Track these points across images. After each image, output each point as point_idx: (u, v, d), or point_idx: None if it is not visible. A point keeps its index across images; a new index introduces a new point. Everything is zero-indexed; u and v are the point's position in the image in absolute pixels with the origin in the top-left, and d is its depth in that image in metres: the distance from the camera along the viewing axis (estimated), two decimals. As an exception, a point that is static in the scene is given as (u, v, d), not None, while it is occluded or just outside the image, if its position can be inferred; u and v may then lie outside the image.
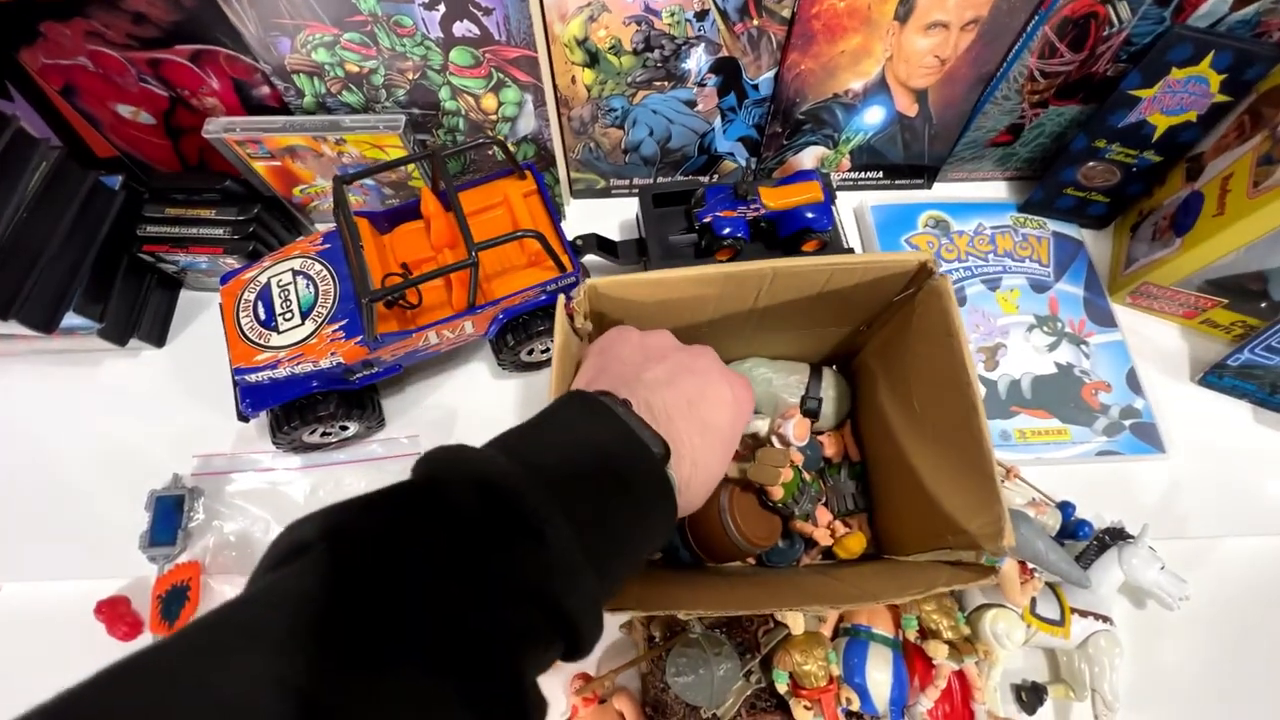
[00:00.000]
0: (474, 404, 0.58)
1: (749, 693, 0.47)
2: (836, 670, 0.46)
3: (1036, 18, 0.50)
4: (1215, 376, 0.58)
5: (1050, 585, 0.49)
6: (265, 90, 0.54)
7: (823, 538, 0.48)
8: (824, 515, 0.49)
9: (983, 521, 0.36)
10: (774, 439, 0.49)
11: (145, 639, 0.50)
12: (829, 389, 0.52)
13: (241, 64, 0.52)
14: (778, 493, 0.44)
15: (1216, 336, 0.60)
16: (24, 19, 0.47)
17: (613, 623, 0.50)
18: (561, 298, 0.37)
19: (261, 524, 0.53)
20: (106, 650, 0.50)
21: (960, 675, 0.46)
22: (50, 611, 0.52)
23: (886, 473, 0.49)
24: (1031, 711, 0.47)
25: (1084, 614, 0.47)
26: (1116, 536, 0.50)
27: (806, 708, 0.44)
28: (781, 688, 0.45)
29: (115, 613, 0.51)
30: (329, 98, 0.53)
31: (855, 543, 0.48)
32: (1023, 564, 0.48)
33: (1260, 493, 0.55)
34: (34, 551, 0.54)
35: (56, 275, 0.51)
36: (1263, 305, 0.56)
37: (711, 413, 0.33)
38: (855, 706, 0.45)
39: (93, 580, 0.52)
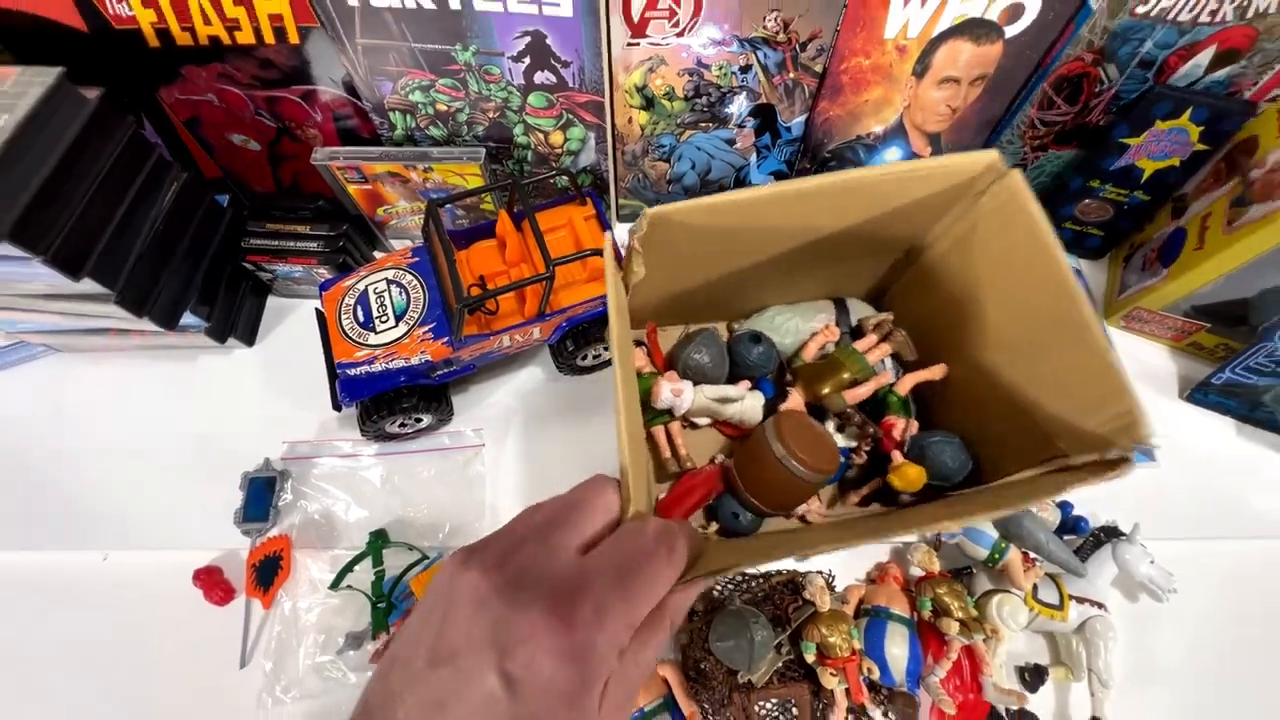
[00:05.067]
0: (531, 403, 0.65)
1: (779, 664, 0.52)
2: (858, 645, 0.52)
3: (1036, 76, 0.58)
4: (1201, 394, 0.64)
5: (1050, 575, 0.54)
6: (357, 123, 0.62)
7: (890, 447, 0.46)
8: (897, 424, 0.46)
9: (1110, 415, 0.33)
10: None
11: (238, 604, 0.57)
12: (862, 317, 0.51)
13: (344, 101, 0.60)
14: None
15: (1202, 358, 0.66)
16: (169, 62, 0.55)
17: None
18: (607, 235, 0.37)
19: (342, 504, 0.60)
20: (204, 612, 0.56)
21: (969, 651, 0.52)
22: (150, 578, 0.58)
23: (964, 395, 0.45)
24: (1034, 690, 0.52)
25: (1080, 600, 0.53)
26: (1111, 534, 0.56)
27: (832, 674, 0.50)
28: (810, 657, 0.51)
29: (211, 580, 0.57)
30: (417, 131, 0.61)
31: (915, 473, 0.46)
32: (1025, 554, 0.54)
33: (1240, 500, 0.61)
34: (136, 524, 0.60)
35: (179, 280, 0.58)
36: (1243, 330, 0.62)
37: None
38: (875, 676, 0.51)
39: (188, 551, 0.58)
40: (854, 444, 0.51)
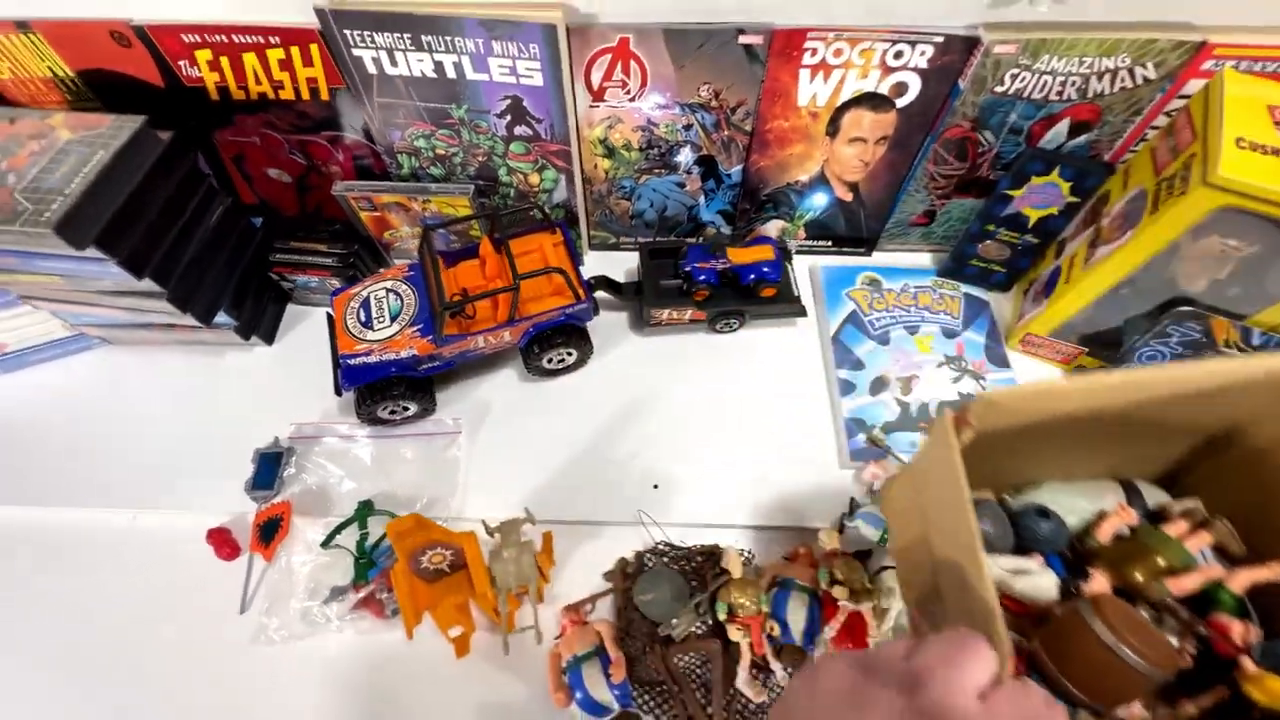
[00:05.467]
0: (501, 399, 0.76)
1: (697, 622, 0.61)
2: (766, 609, 0.60)
3: (928, 138, 0.70)
4: (1085, 409, 0.73)
5: None
6: (371, 162, 0.75)
7: (1230, 652, 0.39)
8: (1234, 626, 0.40)
9: None
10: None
11: (243, 559, 0.66)
12: (1160, 502, 0.47)
13: (361, 145, 0.73)
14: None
15: (1088, 379, 0.76)
16: (225, 112, 0.69)
17: (598, 572, 0.65)
18: (949, 411, 0.36)
19: (337, 478, 0.70)
20: (214, 566, 0.66)
21: (858, 616, 0.60)
22: (170, 536, 0.68)
23: None
24: None
25: None
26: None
27: (738, 630, 0.58)
28: (721, 615, 0.59)
29: (221, 539, 0.67)
30: (420, 170, 0.74)
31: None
32: None
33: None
34: (163, 490, 0.70)
35: (217, 285, 0.71)
36: (1119, 354, 0.72)
37: None
38: (776, 634, 0.59)
39: (204, 514, 0.69)
40: (1174, 642, 0.42)
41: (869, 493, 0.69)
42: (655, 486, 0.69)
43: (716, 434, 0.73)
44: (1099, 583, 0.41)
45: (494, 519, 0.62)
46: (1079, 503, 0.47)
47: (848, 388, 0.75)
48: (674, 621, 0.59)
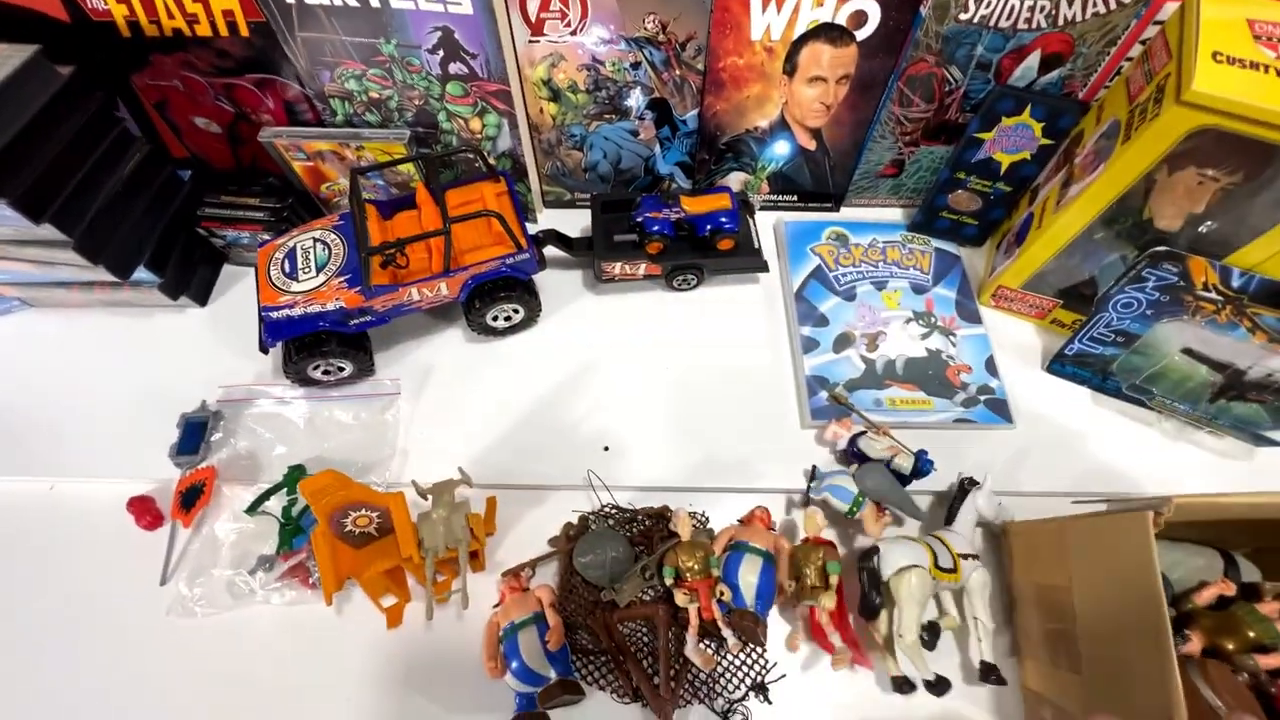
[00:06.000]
0: (445, 360, 0.71)
1: (644, 588, 0.57)
2: (717, 573, 0.56)
3: (892, 75, 0.66)
4: (1059, 365, 0.70)
5: (940, 538, 0.57)
6: (306, 110, 0.71)
7: None
8: None
9: None
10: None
11: (165, 530, 0.62)
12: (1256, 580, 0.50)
13: (292, 90, 0.68)
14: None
15: (1062, 334, 0.72)
16: (140, 51, 0.64)
17: (544, 539, 0.61)
18: (1150, 513, 0.41)
19: (268, 442, 0.66)
20: (134, 537, 0.62)
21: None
22: (90, 505, 0.64)
23: None
24: (932, 646, 0.54)
25: (965, 556, 0.56)
26: (971, 485, 0.61)
27: (684, 594, 0.55)
28: (668, 580, 0.56)
29: (143, 507, 0.63)
30: (355, 117, 0.70)
31: None
32: (878, 505, 0.59)
33: (1088, 461, 0.66)
34: (83, 458, 0.66)
35: (135, 237, 0.66)
36: (1093, 304, 0.68)
37: None
38: (728, 598, 0.55)
39: (126, 482, 0.64)
40: None
41: (832, 452, 0.65)
42: (606, 449, 0.65)
43: (672, 394, 0.69)
44: (1193, 645, 0.46)
45: (430, 481, 0.58)
46: (1193, 560, 0.52)
47: (810, 345, 0.71)
48: (617, 586, 0.56)
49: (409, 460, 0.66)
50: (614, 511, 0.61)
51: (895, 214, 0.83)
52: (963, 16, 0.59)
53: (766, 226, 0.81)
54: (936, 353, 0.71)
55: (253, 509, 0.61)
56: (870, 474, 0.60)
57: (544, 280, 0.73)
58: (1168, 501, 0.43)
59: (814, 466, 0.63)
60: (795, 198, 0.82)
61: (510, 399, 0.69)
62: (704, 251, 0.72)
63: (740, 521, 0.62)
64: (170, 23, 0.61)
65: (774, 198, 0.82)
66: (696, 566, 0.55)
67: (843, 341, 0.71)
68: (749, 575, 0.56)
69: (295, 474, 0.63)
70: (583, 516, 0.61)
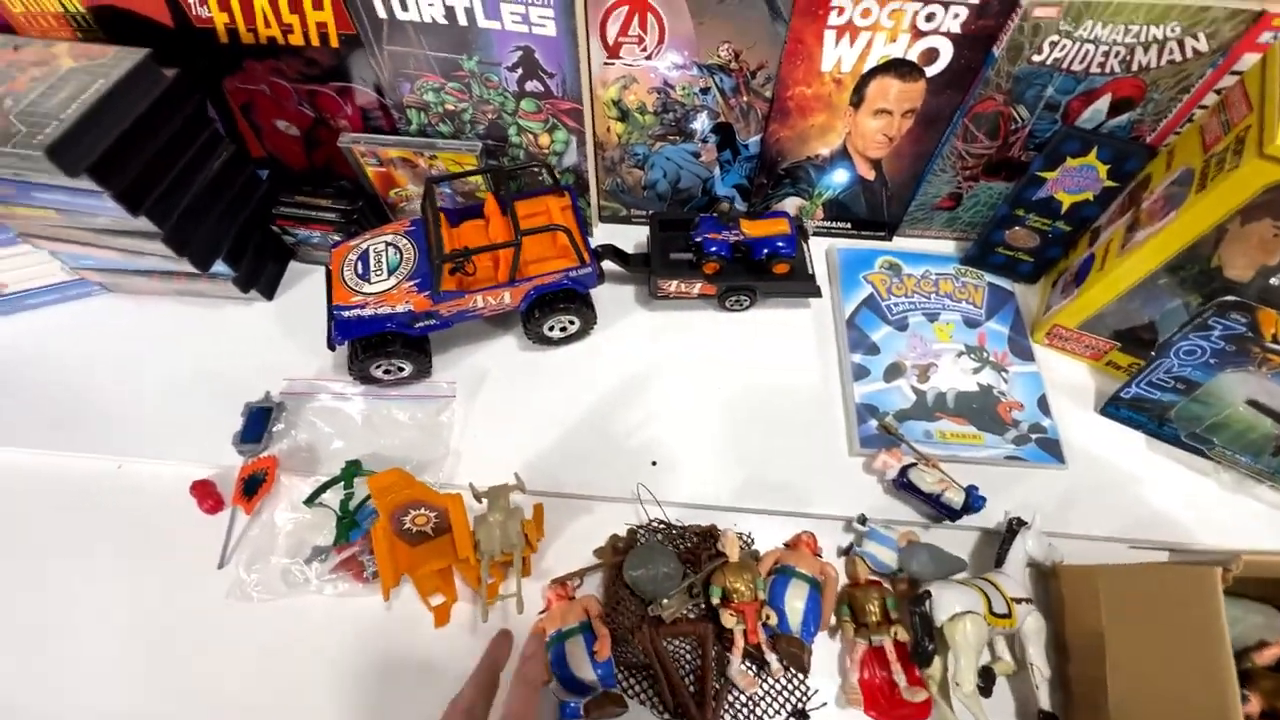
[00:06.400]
0: (499, 366, 0.73)
1: (689, 605, 0.58)
2: (763, 595, 0.57)
3: (958, 111, 0.66)
4: (1114, 407, 0.69)
5: (993, 582, 0.55)
6: (380, 117, 0.74)
7: None
8: None
9: None
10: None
11: (225, 514, 0.64)
12: None
13: (368, 97, 0.71)
14: None
15: (1118, 377, 0.72)
16: (235, 56, 0.68)
17: (589, 548, 0.62)
18: (1219, 570, 0.42)
19: (326, 436, 0.68)
20: (195, 519, 0.64)
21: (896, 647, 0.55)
22: (155, 486, 0.66)
23: None
24: (988, 693, 0.53)
25: (1018, 601, 0.55)
26: (1020, 525, 0.60)
27: (731, 615, 0.55)
28: (715, 599, 0.56)
29: (205, 491, 0.65)
30: (429, 127, 0.72)
31: None
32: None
33: (1142, 507, 0.65)
34: (151, 440, 0.69)
35: (216, 232, 0.69)
36: (1152, 352, 0.68)
37: None
38: (773, 623, 0.56)
39: (191, 465, 0.67)
40: None
41: (880, 481, 0.65)
42: (654, 463, 0.66)
43: (721, 413, 0.70)
44: (1254, 707, 0.46)
45: (483, 484, 0.60)
46: (1252, 617, 0.51)
47: (861, 372, 0.71)
48: (664, 601, 0.56)
49: (461, 461, 0.67)
50: (662, 527, 0.62)
51: (948, 246, 0.83)
52: (1036, 58, 0.60)
53: (819, 252, 0.82)
54: (988, 388, 0.70)
55: (311, 500, 0.63)
56: (917, 556, 0.59)
57: (597, 293, 0.74)
58: (1236, 558, 0.42)
59: (862, 515, 0.62)
60: (849, 225, 0.83)
61: (560, 408, 0.70)
62: (759, 274, 0.73)
63: (786, 545, 0.62)
64: (267, 31, 0.65)
65: (827, 224, 0.83)
66: (744, 589, 0.56)
67: (894, 371, 0.71)
68: (795, 601, 0.56)
69: (352, 469, 0.65)
70: (631, 530, 0.61)
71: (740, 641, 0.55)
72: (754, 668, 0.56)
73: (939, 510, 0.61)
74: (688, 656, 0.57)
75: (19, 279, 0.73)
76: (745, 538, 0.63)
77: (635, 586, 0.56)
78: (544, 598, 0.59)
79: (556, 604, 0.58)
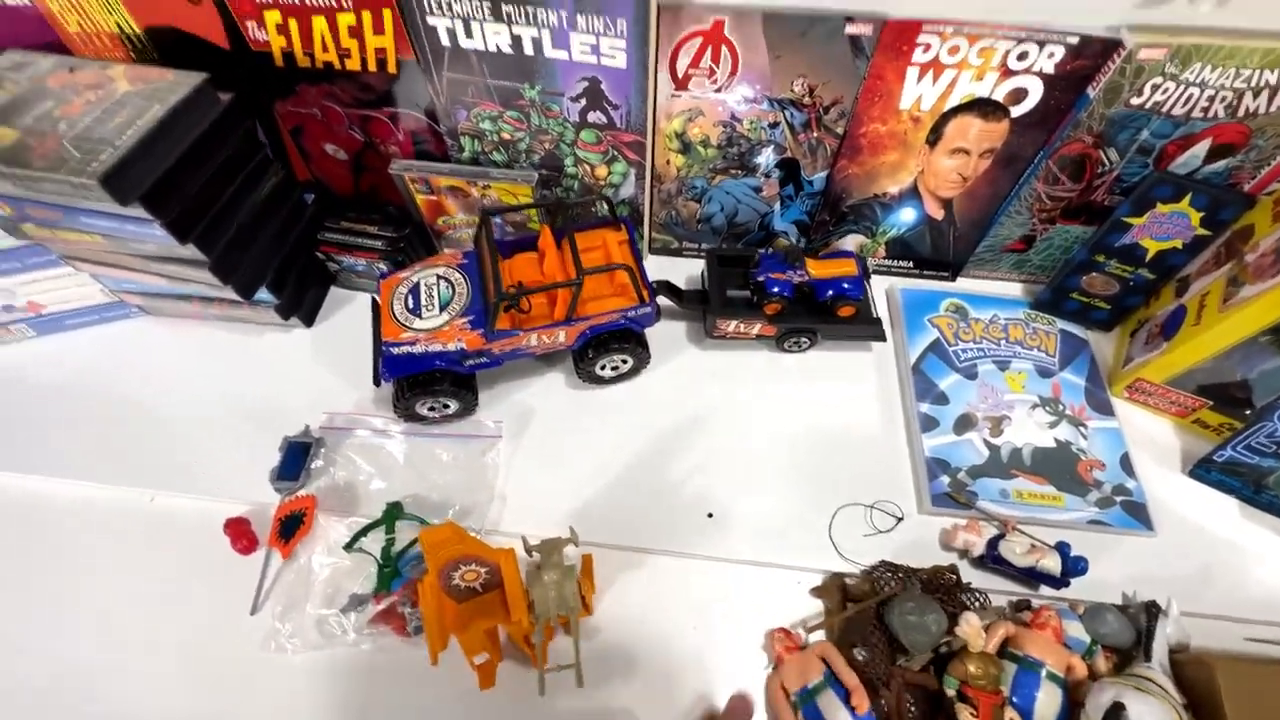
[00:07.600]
0: (547, 405, 0.70)
1: (930, 657, 0.52)
2: (1005, 689, 0.49)
3: (1041, 153, 0.63)
4: (1204, 470, 0.64)
5: (1163, 687, 0.49)
6: (430, 143, 0.71)
7: None
8: None
9: None
10: None
11: (259, 555, 0.61)
12: None
13: (420, 123, 0.69)
14: None
15: (1207, 436, 0.67)
16: (289, 80, 0.66)
17: (642, 604, 0.58)
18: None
19: (366, 475, 0.65)
20: (228, 559, 0.61)
21: None
22: (188, 521, 0.63)
23: None
24: None
25: (1186, 706, 0.48)
26: (1154, 609, 0.54)
27: (971, 715, 0.48)
28: (950, 691, 0.49)
29: (239, 530, 0.62)
30: (482, 155, 0.70)
31: None
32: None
33: (1240, 580, 0.60)
34: (184, 472, 0.66)
35: (262, 260, 0.67)
36: (1247, 412, 0.63)
37: None
38: None
39: (225, 502, 0.64)
40: None
41: (962, 558, 0.60)
42: (710, 515, 0.63)
43: (779, 463, 0.66)
44: None
45: (533, 536, 0.56)
46: None
47: (929, 424, 0.67)
48: (915, 655, 0.52)
49: (506, 506, 0.64)
50: (911, 575, 0.57)
51: (1013, 289, 0.79)
52: (1135, 101, 0.56)
53: (879, 291, 0.78)
54: (1066, 444, 0.66)
55: (351, 545, 0.60)
56: (1105, 622, 0.53)
57: (649, 330, 0.71)
58: None
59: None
60: (910, 264, 0.79)
61: (609, 452, 0.67)
62: (822, 315, 0.69)
63: (1022, 620, 0.53)
64: (323, 55, 0.63)
65: (888, 263, 0.79)
66: (985, 682, 0.49)
67: (964, 423, 0.67)
68: (1047, 710, 0.48)
69: (394, 512, 0.62)
70: (868, 572, 0.58)
71: None
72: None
73: (1036, 579, 0.57)
74: (913, 710, 0.52)
75: (57, 299, 0.71)
76: (979, 597, 0.56)
77: (903, 632, 0.52)
78: (770, 652, 0.55)
79: (788, 657, 0.53)
